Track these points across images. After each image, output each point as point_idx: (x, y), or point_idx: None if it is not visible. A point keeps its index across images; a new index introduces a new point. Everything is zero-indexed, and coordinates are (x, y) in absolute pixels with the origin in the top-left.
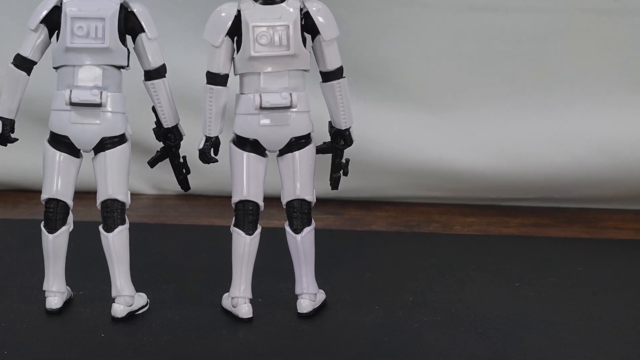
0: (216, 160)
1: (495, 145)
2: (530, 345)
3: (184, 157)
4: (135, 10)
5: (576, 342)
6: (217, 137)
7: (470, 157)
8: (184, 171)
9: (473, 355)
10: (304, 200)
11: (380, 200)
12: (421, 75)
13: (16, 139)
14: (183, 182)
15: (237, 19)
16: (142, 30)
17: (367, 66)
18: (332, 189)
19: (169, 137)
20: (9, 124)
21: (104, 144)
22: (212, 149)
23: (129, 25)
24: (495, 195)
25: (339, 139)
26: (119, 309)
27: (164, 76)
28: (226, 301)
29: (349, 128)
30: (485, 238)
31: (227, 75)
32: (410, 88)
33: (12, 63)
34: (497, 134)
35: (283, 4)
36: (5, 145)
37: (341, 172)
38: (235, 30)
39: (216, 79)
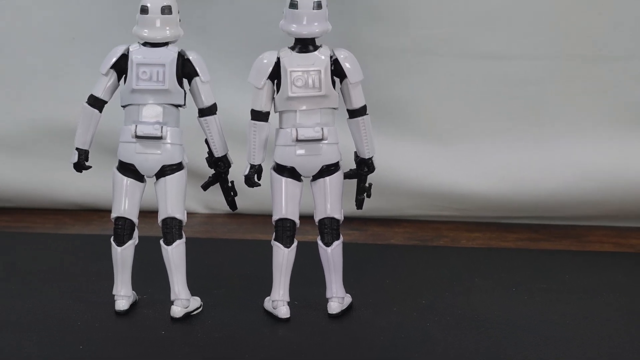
0: (259, 185)
1: (497, 172)
2: (527, 341)
3: (232, 182)
4: (190, 58)
5: (566, 339)
6: (260, 165)
7: (475, 182)
8: (232, 194)
9: (477, 349)
10: (333, 218)
11: (398, 218)
12: (433, 112)
13: (90, 167)
14: (231, 203)
15: (277, 65)
16: (197, 75)
17: (387, 105)
18: (357, 208)
19: (219, 165)
20: (84, 154)
21: (164, 171)
22: (255, 175)
23: (185, 70)
24: (496, 214)
25: (363, 167)
26: (177, 311)
27: (215, 113)
28: (267, 304)
29: (372, 157)
30: (487, 251)
31: (268, 113)
32: (424, 123)
33: (86, 102)
34: (498, 162)
35: (316, 52)
36: (81, 171)
37: (365, 194)
38: (275, 74)
39: (259, 116)
